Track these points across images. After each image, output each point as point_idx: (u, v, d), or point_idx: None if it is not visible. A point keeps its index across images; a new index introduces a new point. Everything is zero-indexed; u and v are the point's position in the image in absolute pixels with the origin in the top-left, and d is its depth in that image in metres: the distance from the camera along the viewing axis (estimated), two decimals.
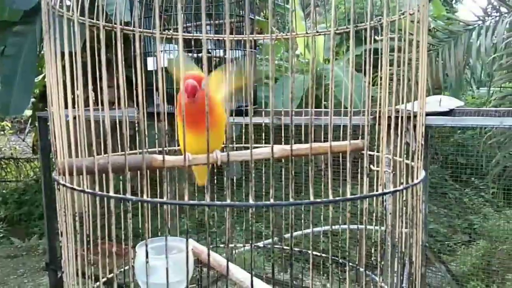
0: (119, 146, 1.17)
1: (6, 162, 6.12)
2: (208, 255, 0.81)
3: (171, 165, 0.88)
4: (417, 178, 0.80)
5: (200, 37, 1.86)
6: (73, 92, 0.71)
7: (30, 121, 8.10)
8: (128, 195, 0.63)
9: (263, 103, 2.10)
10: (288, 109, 1.73)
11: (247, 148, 1.62)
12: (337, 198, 0.63)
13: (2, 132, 8.22)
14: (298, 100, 3.63)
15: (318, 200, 0.62)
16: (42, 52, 4.07)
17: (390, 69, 0.82)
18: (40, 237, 4.29)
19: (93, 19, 0.93)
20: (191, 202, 0.61)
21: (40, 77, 4.84)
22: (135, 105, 1.72)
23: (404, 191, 0.77)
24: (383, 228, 1.72)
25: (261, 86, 2.42)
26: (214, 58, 2.11)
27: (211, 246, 1.90)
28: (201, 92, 0.93)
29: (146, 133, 1.44)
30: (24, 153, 7.66)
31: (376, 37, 0.84)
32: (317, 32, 1.15)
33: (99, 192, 0.66)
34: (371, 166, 0.89)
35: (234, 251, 1.87)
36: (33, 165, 5.95)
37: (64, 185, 0.72)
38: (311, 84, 0.75)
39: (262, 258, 3.26)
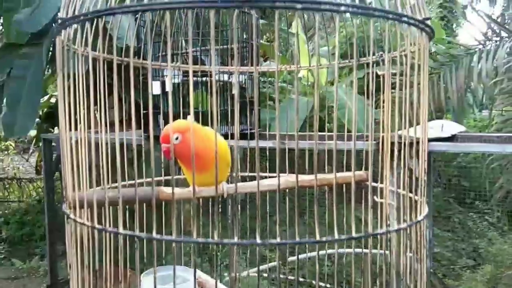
0: (125, 172, 1.19)
1: (9, 182, 6.12)
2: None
3: (178, 198, 0.92)
4: (420, 214, 0.80)
5: (209, 69, 1.89)
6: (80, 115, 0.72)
7: (34, 141, 8.14)
8: (137, 232, 0.63)
9: (267, 126, 2.11)
10: (293, 133, 1.75)
11: (252, 177, 1.62)
12: (342, 237, 0.64)
13: (6, 152, 8.25)
14: (301, 122, 3.64)
15: (324, 239, 0.63)
16: (48, 72, 4.12)
17: (392, 92, 0.84)
18: (41, 259, 4.25)
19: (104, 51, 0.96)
20: (200, 240, 0.62)
21: (46, 98, 4.88)
22: (142, 128, 1.74)
23: (408, 228, 0.78)
24: (387, 252, 1.71)
25: (264, 108, 2.45)
26: (219, 82, 2.13)
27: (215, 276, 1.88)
28: (178, 142, 1.02)
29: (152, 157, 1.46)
30: (27, 173, 7.66)
31: (378, 71, 0.86)
32: (321, 65, 1.17)
33: (110, 229, 0.66)
34: (375, 197, 0.90)
35: (239, 283, 1.86)
36: (35, 185, 5.95)
37: (74, 220, 0.73)
38: (316, 109, 0.76)
39: (266, 282, 3.22)
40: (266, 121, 2.44)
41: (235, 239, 0.62)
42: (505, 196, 3.55)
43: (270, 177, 1.54)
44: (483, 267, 3.35)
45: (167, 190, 0.95)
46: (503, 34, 3.40)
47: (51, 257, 2.93)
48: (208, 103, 2.14)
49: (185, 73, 2.04)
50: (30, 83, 3.42)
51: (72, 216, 0.73)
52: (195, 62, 1.94)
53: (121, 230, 0.65)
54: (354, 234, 0.66)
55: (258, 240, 0.60)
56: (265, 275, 3.07)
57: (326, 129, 2.05)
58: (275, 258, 3.56)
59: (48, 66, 3.85)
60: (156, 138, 1.63)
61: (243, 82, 2.21)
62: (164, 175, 1.57)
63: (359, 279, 2.35)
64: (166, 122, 2.04)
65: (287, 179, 0.95)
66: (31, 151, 8.67)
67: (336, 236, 0.64)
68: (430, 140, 1.50)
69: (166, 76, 2.01)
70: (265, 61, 4.54)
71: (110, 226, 0.68)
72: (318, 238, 0.62)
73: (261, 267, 2.98)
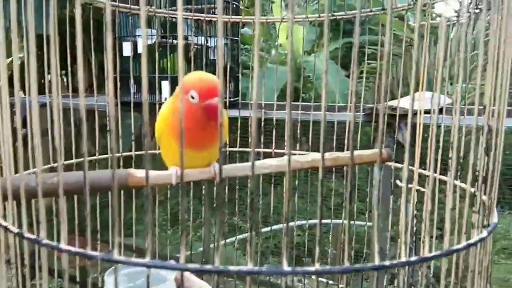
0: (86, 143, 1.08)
1: None
2: None
3: (154, 183, 0.73)
4: (487, 224, 0.57)
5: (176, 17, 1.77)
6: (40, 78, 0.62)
7: None
8: (90, 250, 0.42)
9: (245, 95, 2.03)
10: (271, 102, 1.68)
11: (242, 153, 1.50)
12: (413, 259, 0.45)
13: None
14: (278, 92, 3.58)
15: (387, 263, 0.43)
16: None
17: (370, 63, 0.78)
18: None
19: None
20: (206, 267, 0.42)
21: (9, 60, 4.61)
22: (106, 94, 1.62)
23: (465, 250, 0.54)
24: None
25: (241, 77, 2.36)
26: (195, 46, 2.02)
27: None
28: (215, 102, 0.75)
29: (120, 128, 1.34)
30: None
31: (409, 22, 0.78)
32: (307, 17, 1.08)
33: (52, 243, 0.44)
34: (398, 181, 0.82)
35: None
36: None
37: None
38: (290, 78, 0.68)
39: (239, 252, 3.22)
40: (243, 90, 2.37)
41: (250, 266, 0.41)
42: None
43: (265, 153, 1.44)
44: None
45: (138, 173, 0.71)
46: (481, 6, 3.37)
47: None
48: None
49: (162, 35, 1.92)
50: None
51: None
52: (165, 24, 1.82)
53: (64, 245, 0.44)
54: (427, 253, 0.47)
55: (286, 267, 0.40)
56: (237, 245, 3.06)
57: (300, 99, 1.99)
58: (246, 229, 3.56)
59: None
60: (125, 104, 1.52)
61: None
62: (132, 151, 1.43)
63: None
64: (138, 88, 1.94)
65: (296, 158, 0.78)
66: None
67: (403, 258, 0.45)
68: (425, 112, 1.45)
69: (139, 36, 1.88)
70: (242, 27, 4.40)
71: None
72: (377, 262, 0.43)
73: (234, 238, 2.96)
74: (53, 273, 1.40)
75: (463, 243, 0.52)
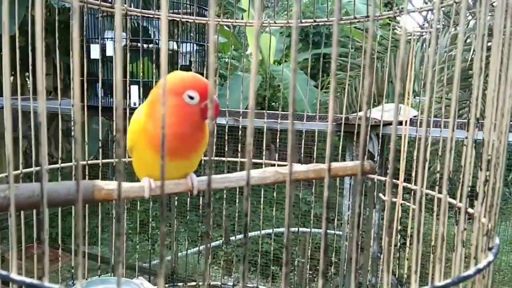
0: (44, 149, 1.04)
1: None
2: None
3: (125, 196, 0.67)
4: (487, 249, 0.53)
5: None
6: None
7: None
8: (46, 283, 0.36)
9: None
10: (242, 110, 1.68)
11: (217, 162, 1.48)
12: None
13: None
14: (247, 101, 3.59)
15: None
16: None
17: (339, 75, 0.79)
18: None
19: None
20: None
21: None
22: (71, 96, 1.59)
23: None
24: None
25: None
26: (169, 51, 2.00)
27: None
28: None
29: (86, 134, 1.31)
30: None
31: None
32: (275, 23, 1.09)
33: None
34: (381, 195, 0.82)
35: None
36: None
37: None
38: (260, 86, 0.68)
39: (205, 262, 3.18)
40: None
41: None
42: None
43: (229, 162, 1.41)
44: None
45: (107, 185, 0.66)
46: (445, 22, 3.51)
47: None
48: (149, 73, 2.01)
49: (132, 39, 1.89)
50: None
51: None
52: (136, 30, 1.79)
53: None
54: (437, 283, 0.44)
55: None
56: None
57: (266, 107, 2.00)
58: (218, 237, 3.53)
59: None
60: (92, 108, 1.48)
61: (191, 54, 2.09)
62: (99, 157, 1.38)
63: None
64: (107, 91, 1.90)
65: (277, 169, 0.74)
66: None
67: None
68: (388, 123, 1.50)
69: (108, 39, 1.84)
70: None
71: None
72: None
73: (203, 247, 2.92)
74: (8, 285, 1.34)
75: (473, 269, 0.49)
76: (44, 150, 0.37)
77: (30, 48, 1.14)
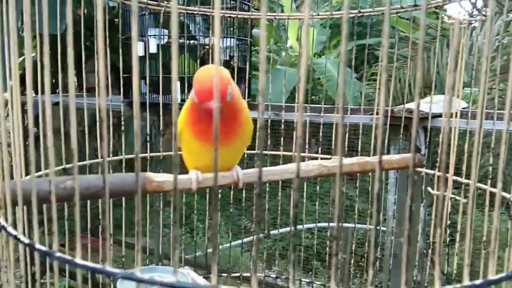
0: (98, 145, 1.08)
1: None
2: None
3: (171, 188, 0.66)
4: None
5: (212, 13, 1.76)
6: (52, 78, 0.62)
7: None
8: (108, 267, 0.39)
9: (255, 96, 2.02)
10: (281, 103, 1.67)
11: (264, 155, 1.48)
12: None
13: None
14: (288, 94, 3.57)
15: None
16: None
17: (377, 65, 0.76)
18: None
19: None
20: None
21: (21, 59, 4.66)
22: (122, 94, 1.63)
23: None
24: None
25: (254, 78, 2.35)
26: (205, 47, 2.02)
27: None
28: (230, 98, 0.74)
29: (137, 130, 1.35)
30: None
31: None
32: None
33: (68, 258, 0.41)
34: (429, 188, 0.79)
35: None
36: None
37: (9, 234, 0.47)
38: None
39: (248, 254, 3.22)
40: (254, 92, 2.36)
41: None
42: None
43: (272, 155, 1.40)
44: None
45: (157, 177, 0.66)
46: (497, 9, 3.33)
47: None
48: (192, 69, 2.03)
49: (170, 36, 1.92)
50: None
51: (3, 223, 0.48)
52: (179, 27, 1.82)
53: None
54: (491, 277, 0.43)
55: None
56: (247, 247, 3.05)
57: (309, 101, 1.98)
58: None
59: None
60: (141, 104, 1.53)
61: (232, 48, 2.10)
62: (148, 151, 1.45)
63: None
64: (152, 87, 1.94)
65: (321, 163, 0.74)
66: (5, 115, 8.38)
67: (467, 282, 0.41)
68: (437, 115, 1.43)
69: (151, 36, 1.88)
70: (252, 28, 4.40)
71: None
72: (438, 287, 0.39)
73: (244, 240, 2.96)
74: (64, 273, 1.41)
75: None
76: (105, 144, 0.39)
77: (83, 47, 1.18)
